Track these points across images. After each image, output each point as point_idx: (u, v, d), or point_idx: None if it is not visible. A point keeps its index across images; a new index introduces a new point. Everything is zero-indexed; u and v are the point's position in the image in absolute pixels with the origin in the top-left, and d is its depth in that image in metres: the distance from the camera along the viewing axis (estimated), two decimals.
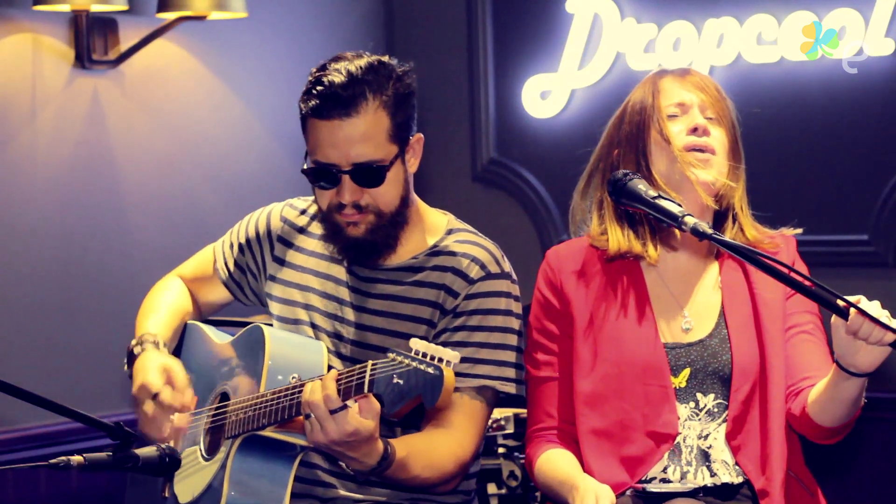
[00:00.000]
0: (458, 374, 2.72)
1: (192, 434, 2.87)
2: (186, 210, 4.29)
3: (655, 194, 2.59)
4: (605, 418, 2.76)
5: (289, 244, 2.97)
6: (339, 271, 2.89)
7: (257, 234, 3.01)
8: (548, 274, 2.87)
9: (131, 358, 2.89)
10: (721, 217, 2.84)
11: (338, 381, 2.49)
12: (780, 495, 2.71)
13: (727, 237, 2.70)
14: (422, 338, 2.52)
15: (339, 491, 2.82)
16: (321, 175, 2.76)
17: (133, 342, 2.92)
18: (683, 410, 2.75)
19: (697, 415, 2.76)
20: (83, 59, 4.02)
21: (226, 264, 3.05)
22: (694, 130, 2.79)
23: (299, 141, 2.86)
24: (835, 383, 2.60)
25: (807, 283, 2.47)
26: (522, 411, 3.34)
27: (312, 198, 2.95)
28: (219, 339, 2.97)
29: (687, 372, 2.77)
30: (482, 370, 2.78)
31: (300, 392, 2.55)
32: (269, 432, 2.68)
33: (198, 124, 4.35)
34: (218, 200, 4.36)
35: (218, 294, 3.10)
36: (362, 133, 2.70)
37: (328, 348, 2.84)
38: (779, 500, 2.70)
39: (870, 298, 2.49)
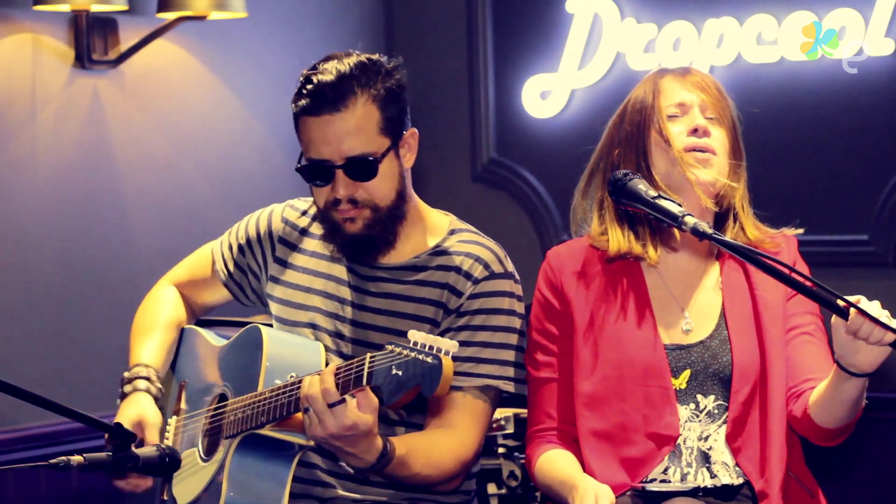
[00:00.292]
0: (461, 374, 2.74)
1: (190, 436, 2.87)
2: (186, 210, 4.30)
3: (655, 194, 2.58)
4: (605, 419, 2.76)
5: (290, 245, 2.97)
6: (341, 271, 2.89)
7: (258, 235, 3.01)
8: (548, 274, 2.87)
9: (123, 393, 2.91)
10: (722, 217, 2.83)
11: (336, 374, 2.50)
12: (779, 497, 2.70)
13: (728, 237, 2.69)
14: None
15: (338, 491, 2.82)
16: (315, 172, 2.77)
17: (126, 375, 2.93)
18: (684, 412, 2.75)
19: (698, 416, 2.75)
20: (83, 59, 4.02)
21: (225, 265, 3.05)
22: (694, 131, 2.78)
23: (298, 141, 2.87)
24: (835, 384, 2.59)
25: (807, 283, 2.47)
26: (522, 411, 3.34)
27: (313, 199, 2.95)
28: (216, 341, 2.97)
29: (687, 373, 2.77)
30: (485, 369, 2.78)
31: (298, 389, 2.56)
32: (267, 431, 2.68)
33: (197, 124, 4.35)
34: (217, 200, 4.37)
35: (217, 295, 3.09)
36: (353, 127, 2.72)
37: (330, 348, 2.84)
38: (777, 502, 2.70)
39: (870, 298, 2.48)
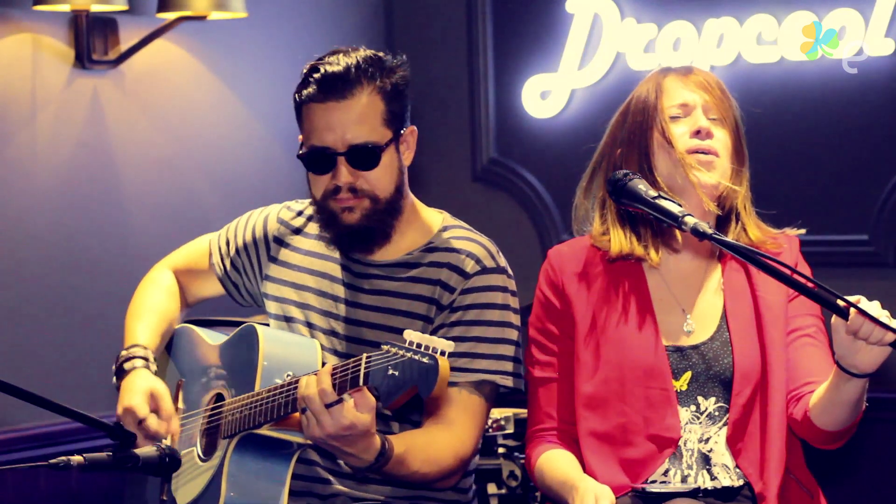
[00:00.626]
0: (456, 370, 2.74)
1: (188, 436, 2.87)
2: (186, 209, 4.29)
3: (655, 194, 2.58)
4: (605, 421, 2.75)
5: (285, 244, 2.98)
6: (335, 269, 2.90)
7: (254, 236, 3.02)
8: (549, 274, 2.87)
9: (119, 371, 2.90)
10: (724, 218, 2.82)
11: (333, 374, 2.50)
12: (775, 500, 2.69)
13: (730, 238, 2.68)
14: None
15: (338, 488, 2.82)
16: (316, 160, 2.79)
17: (123, 353, 2.92)
18: (684, 414, 2.74)
19: (698, 418, 2.75)
20: (83, 59, 4.02)
21: (222, 261, 3.06)
22: (697, 133, 2.77)
23: (299, 130, 2.88)
24: (836, 385, 2.59)
25: (807, 283, 2.47)
26: (522, 411, 3.34)
27: (309, 200, 2.97)
28: (212, 340, 2.97)
29: (688, 375, 2.76)
30: (480, 364, 2.79)
31: (295, 388, 2.56)
32: (265, 430, 2.68)
33: (198, 124, 4.35)
34: (217, 200, 4.37)
35: (211, 288, 3.10)
36: (357, 116, 2.75)
37: (324, 346, 2.84)
38: None
39: (870, 298, 2.48)
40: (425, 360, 2.35)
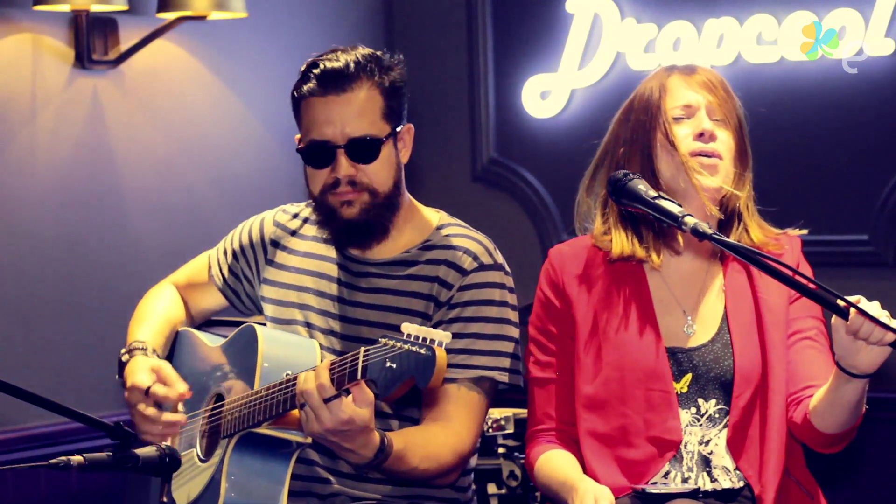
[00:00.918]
0: (455, 366, 2.75)
1: (188, 437, 2.87)
2: (186, 210, 4.29)
3: (655, 194, 2.57)
4: (606, 422, 2.75)
5: (282, 247, 2.99)
6: (332, 268, 2.91)
7: (251, 240, 3.03)
8: (550, 273, 2.87)
9: (121, 366, 2.92)
10: (726, 220, 2.81)
11: (331, 369, 2.50)
12: (772, 502, 2.69)
13: (731, 239, 2.67)
14: None
15: (338, 488, 2.82)
16: (316, 153, 2.81)
17: (122, 350, 2.94)
18: (685, 416, 2.74)
19: (699, 420, 2.75)
20: (83, 59, 4.02)
21: (220, 270, 3.07)
22: (700, 135, 2.76)
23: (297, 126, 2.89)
24: (836, 387, 2.59)
25: (807, 283, 2.47)
26: (522, 411, 3.35)
27: (305, 203, 2.99)
28: (211, 342, 2.98)
29: (689, 377, 2.76)
30: (479, 361, 2.79)
31: (294, 385, 2.57)
32: (264, 430, 2.68)
33: (198, 124, 4.35)
34: (217, 200, 4.37)
35: (212, 300, 3.12)
36: (357, 109, 2.78)
37: (323, 345, 2.85)
38: None
39: (870, 298, 2.48)
40: (422, 351, 2.36)
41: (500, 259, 2.88)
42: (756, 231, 2.82)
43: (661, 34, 4.39)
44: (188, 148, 4.32)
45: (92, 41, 4.04)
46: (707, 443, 2.74)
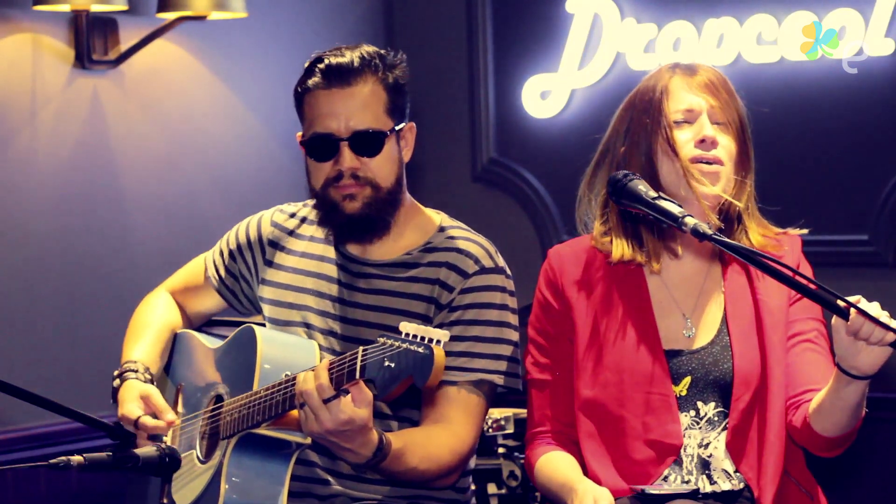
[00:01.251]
0: (454, 369, 2.75)
1: (188, 438, 2.87)
2: (186, 210, 4.30)
3: (655, 195, 2.56)
4: (605, 425, 2.75)
5: (280, 247, 2.99)
6: (331, 269, 2.91)
7: (248, 240, 3.03)
8: (549, 275, 2.86)
9: (114, 391, 2.92)
10: (727, 223, 2.80)
11: (330, 369, 2.50)
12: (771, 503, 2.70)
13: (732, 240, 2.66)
14: None
15: (338, 489, 2.82)
16: (319, 146, 2.81)
17: (115, 373, 2.94)
18: (684, 419, 2.73)
19: (698, 423, 2.74)
20: (83, 59, 4.02)
21: (217, 272, 3.07)
22: (702, 142, 2.74)
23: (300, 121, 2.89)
24: (836, 388, 2.58)
25: (807, 283, 2.46)
26: (522, 411, 3.34)
27: (302, 202, 3.00)
28: (210, 343, 2.98)
29: (688, 380, 2.75)
30: (479, 364, 2.79)
31: (293, 386, 2.57)
32: (264, 430, 2.68)
33: (198, 124, 4.35)
34: (218, 200, 4.37)
35: (210, 302, 3.11)
36: (361, 102, 2.79)
37: (322, 346, 2.85)
38: None
39: (870, 298, 2.48)
40: (420, 349, 2.36)
41: (502, 262, 2.88)
42: (756, 234, 2.80)
43: (661, 34, 4.39)
44: (188, 148, 4.32)
45: (92, 41, 4.04)
46: (706, 446, 2.74)
